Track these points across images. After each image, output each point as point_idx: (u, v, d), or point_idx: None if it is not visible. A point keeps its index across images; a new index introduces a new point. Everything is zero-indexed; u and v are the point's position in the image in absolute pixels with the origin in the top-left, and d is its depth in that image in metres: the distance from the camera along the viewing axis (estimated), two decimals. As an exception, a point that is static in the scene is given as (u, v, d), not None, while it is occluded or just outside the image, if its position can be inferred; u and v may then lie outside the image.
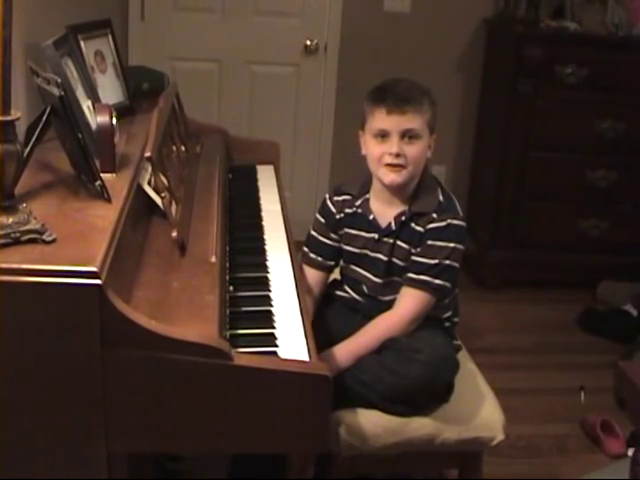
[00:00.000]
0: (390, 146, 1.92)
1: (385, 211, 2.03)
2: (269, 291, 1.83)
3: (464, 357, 2.14)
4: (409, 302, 1.96)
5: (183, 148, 2.18)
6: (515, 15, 3.63)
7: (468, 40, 3.91)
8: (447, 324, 2.08)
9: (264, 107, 3.90)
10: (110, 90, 2.23)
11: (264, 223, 2.19)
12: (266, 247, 2.04)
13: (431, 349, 1.88)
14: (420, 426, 1.89)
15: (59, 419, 1.40)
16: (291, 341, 1.63)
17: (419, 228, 1.97)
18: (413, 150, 1.93)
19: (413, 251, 1.98)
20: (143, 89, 2.52)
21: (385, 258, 2.02)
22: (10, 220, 1.39)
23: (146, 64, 2.93)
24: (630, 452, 2.44)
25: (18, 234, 1.38)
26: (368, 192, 2.08)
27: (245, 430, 1.46)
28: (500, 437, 1.93)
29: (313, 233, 2.16)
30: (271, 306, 1.76)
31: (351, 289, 2.12)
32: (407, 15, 3.82)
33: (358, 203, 2.08)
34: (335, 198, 2.13)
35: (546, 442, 2.69)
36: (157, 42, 3.74)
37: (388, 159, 1.93)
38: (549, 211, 3.72)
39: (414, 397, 1.87)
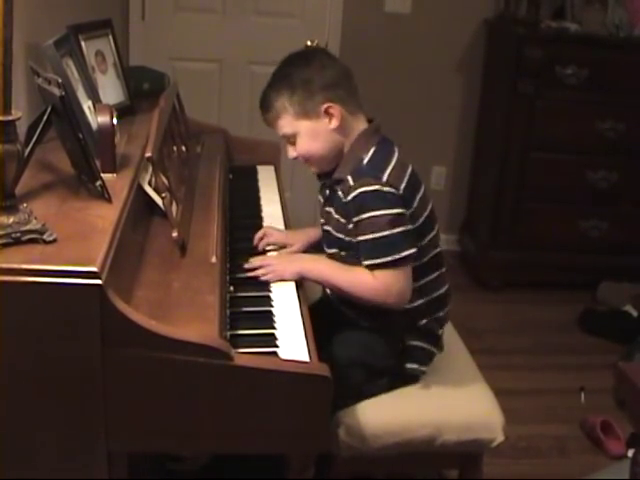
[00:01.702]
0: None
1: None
2: (269, 291, 1.83)
3: (464, 357, 2.14)
4: (384, 284, 1.80)
5: (184, 148, 2.18)
6: (515, 16, 3.63)
7: (468, 41, 3.91)
8: (423, 321, 1.95)
9: (264, 107, 3.90)
10: (111, 90, 2.23)
11: (264, 223, 2.19)
12: (266, 247, 2.04)
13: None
14: (420, 427, 1.89)
15: (59, 419, 1.40)
16: (291, 341, 1.63)
17: (340, 194, 1.86)
18: (298, 149, 1.90)
19: (343, 221, 1.87)
20: (144, 89, 2.52)
21: (328, 227, 1.95)
22: (11, 220, 1.39)
23: (147, 64, 2.93)
24: (630, 453, 2.44)
25: (19, 234, 1.38)
26: None
27: (245, 430, 1.46)
28: (500, 439, 1.93)
29: None
30: (271, 306, 1.76)
31: None
32: (408, 16, 3.82)
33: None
34: None
35: (546, 443, 2.69)
36: (158, 42, 3.74)
37: None
38: (549, 212, 3.72)
39: None
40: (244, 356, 1.44)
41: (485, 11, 3.85)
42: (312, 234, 2.11)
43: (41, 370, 1.36)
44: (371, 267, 1.80)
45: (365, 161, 1.84)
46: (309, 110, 1.86)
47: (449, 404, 1.96)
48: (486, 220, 3.83)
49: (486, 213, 3.83)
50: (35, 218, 1.43)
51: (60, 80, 1.51)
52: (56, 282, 1.30)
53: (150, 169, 1.81)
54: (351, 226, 1.84)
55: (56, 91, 1.50)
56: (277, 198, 2.39)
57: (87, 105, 1.94)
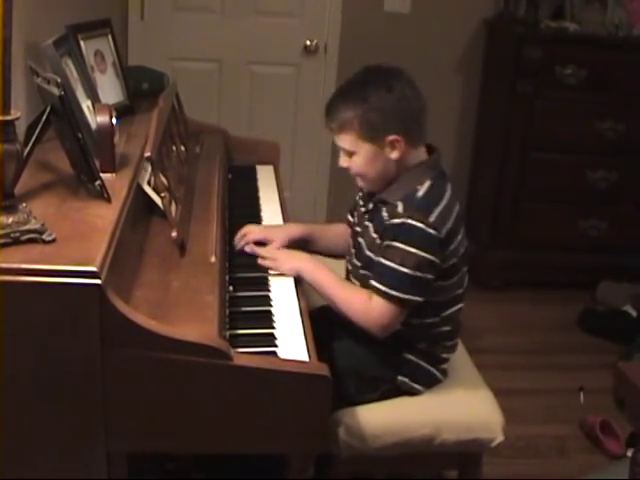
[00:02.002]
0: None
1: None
2: (269, 291, 1.83)
3: (463, 357, 2.14)
4: (376, 311, 1.80)
5: (183, 148, 2.18)
6: (515, 15, 3.63)
7: (468, 41, 3.90)
8: (421, 345, 1.94)
9: (264, 107, 3.90)
10: (110, 90, 2.23)
11: (264, 223, 2.19)
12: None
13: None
14: (419, 426, 1.89)
15: (59, 419, 1.40)
16: (290, 341, 1.63)
17: (385, 215, 1.86)
18: (353, 165, 1.88)
19: (378, 242, 1.87)
20: (143, 89, 2.52)
21: (360, 239, 1.96)
22: (10, 220, 1.39)
23: (146, 64, 2.93)
24: (629, 453, 2.44)
25: (18, 234, 1.38)
26: None
27: (244, 430, 1.46)
28: (500, 438, 1.93)
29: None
30: (271, 306, 1.76)
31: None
32: (407, 15, 3.82)
33: None
34: None
35: (545, 443, 2.69)
36: (157, 42, 3.73)
37: None
38: (549, 212, 3.72)
39: None
40: (243, 356, 1.44)
41: (484, 11, 3.85)
42: (293, 230, 2.10)
43: (40, 370, 1.36)
44: (375, 289, 1.80)
45: (419, 194, 1.84)
46: (375, 136, 1.84)
47: (448, 404, 1.96)
48: (485, 220, 3.83)
49: (485, 213, 3.83)
50: (34, 218, 1.42)
51: (59, 80, 1.51)
52: (55, 282, 1.30)
53: (149, 169, 1.81)
54: (383, 246, 1.84)
55: (55, 91, 1.50)
56: (276, 198, 2.39)
57: (86, 105, 1.94)
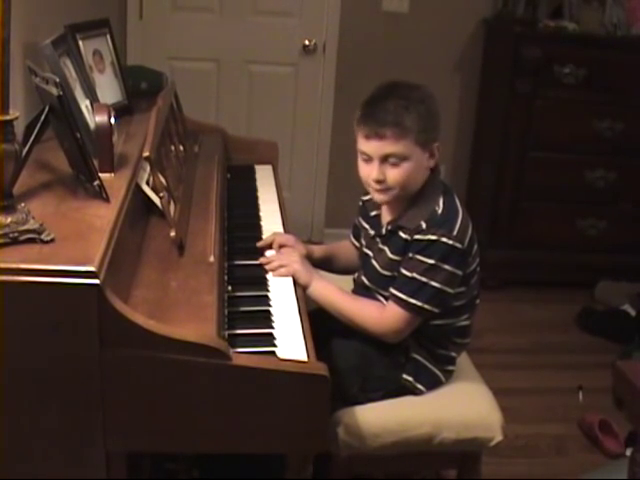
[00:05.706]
0: (371, 170, 1.85)
1: (386, 212, 1.99)
2: (267, 291, 1.83)
3: (463, 356, 2.14)
4: (391, 317, 1.86)
5: (181, 148, 2.18)
6: (514, 15, 3.63)
7: (466, 40, 3.91)
8: (440, 351, 1.98)
9: (262, 107, 3.90)
10: (108, 90, 2.23)
11: (262, 223, 2.19)
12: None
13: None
14: (418, 425, 1.89)
15: (58, 419, 1.40)
16: (289, 341, 1.63)
17: (405, 236, 1.87)
18: (395, 174, 1.83)
19: (399, 259, 1.89)
20: (141, 89, 2.52)
21: (373, 262, 1.98)
22: (8, 220, 1.39)
23: (144, 64, 2.93)
24: (628, 452, 2.44)
25: (16, 234, 1.38)
26: None
27: (243, 430, 1.46)
28: (499, 437, 1.93)
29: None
30: (269, 306, 1.76)
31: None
32: (405, 15, 3.82)
33: (367, 197, 2.06)
34: None
35: (544, 442, 2.69)
36: (155, 42, 3.73)
37: (372, 182, 1.86)
38: (547, 211, 3.72)
39: None
40: (242, 356, 1.44)
41: (483, 10, 3.85)
42: (315, 249, 2.15)
43: (39, 370, 1.36)
44: (393, 296, 1.84)
45: (439, 212, 1.85)
46: (426, 142, 1.85)
47: (447, 403, 1.96)
48: (484, 219, 3.82)
49: (484, 212, 3.83)
50: (33, 218, 1.42)
51: (58, 79, 1.51)
52: (54, 282, 1.30)
53: (148, 168, 1.81)
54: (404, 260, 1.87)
55: (54, 90, 1.50)
56: (275, 198, 2.38)
57: (85, 104, 1.94)
